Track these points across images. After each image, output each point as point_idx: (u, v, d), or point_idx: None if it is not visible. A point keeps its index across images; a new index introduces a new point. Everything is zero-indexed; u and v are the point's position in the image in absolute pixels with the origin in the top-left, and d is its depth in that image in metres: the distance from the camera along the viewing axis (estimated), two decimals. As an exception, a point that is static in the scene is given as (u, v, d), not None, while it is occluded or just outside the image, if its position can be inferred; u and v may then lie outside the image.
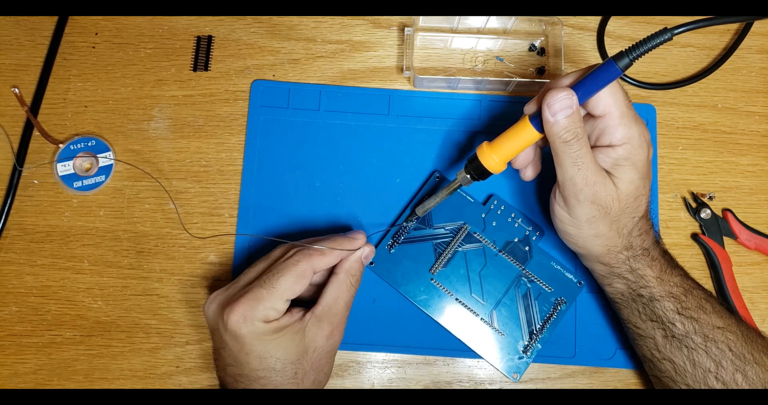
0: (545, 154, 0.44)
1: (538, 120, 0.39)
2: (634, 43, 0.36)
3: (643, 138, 0.40)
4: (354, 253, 0.43)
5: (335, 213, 0.50)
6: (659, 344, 0.43)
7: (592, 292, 0.49)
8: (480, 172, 0.42)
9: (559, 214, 0.42)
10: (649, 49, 0.36)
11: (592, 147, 0.40)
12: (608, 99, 0.39)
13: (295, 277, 0.40)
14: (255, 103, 0.52)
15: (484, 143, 0.42)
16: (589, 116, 0.41)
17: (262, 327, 0.39)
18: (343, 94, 0.52)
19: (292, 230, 0.50)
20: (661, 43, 0.36)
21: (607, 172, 0.40)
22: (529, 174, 0.44)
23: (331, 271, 0.43)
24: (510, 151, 0.41)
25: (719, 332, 0.41)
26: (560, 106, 0.37)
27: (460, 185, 0.43)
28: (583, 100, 0.38)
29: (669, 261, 0.44)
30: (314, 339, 0.40)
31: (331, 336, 0.41)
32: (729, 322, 0.42)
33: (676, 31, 0.36)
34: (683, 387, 0.42)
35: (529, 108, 0.41)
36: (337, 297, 0.42)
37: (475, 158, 0.42)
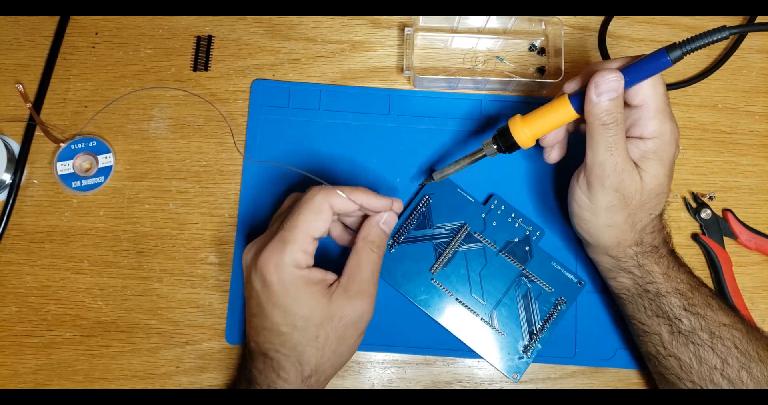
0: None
1: (577, 99, 0.39)
2: (690, 37, 0.36)
3: (673, 136, 0.40)
4: (371, 218, 0.42)
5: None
6: (665, 340, 0.43)
7: (592, 292, 0.49)
8: (509, 145, 0.42)
9: (579, 198, 0.42)
10: (704, 45, 0.36)
11: None
12: (649, 90, 0.39)
13: (313, 212, 0.39)
14: (255, 103, 0.52)
15: (518, 116, 0.42)
16: (626, 105, 0.41)
17: (294, 273, 0.38)
18: (344, 94, 0.52)
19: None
20: (716, 41, 0.36)
21: (634, 163, 0.40)
22: (554, 156, 0.44)
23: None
24: (543, 128, 0.41)
25: (725, 329, 0.41)
26: (607, 87, 0.38)
27: (485, 155, 0.43)
28: (628, 86, 0.38)
29: (676, 259, 0.44)
30: (341, 307, 0.39)
31: (360, 308, 0.40)
32: (734, 320, 0.42)
33: (735, 31, 0.35)
34: (688, 384, 0.42)
35: (570, 86, 0.41)
36: (359, 265, 0.41)
37: (506, 130, 0.42)
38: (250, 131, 0.51)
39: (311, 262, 0.39)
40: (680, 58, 0.36)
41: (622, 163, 0.39)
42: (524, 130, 0.41)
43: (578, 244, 0.49)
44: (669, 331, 0.42)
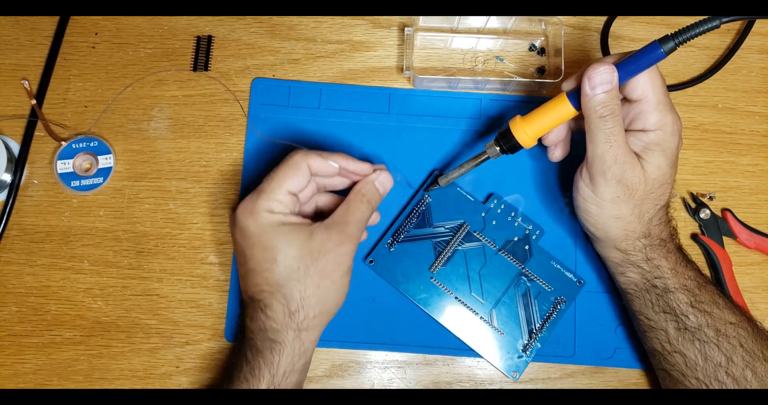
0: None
1: (575, 96, 0.40)
2: (682, 27, 0.36)
3: (675, 127, 0.40)
4: (368, 177, 0.43)
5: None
6: (671, 336, 0.43)
7: (592, 292, 0.49)
8: (511, 146, 0.42)
9: (583, 192, 0.42)
10: (696, 35, 0.36)
11: (626, 130, 0.41)
12: (647, 84, 0.39)
13: (290, 168, 0.41)
14: (255, 101, 0.52)
15: (518, 116, 0.42)
16: (626, 100, 0.41)
17: (267, 217, 0.39)
18: (344, 93, 0.52)
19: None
20: (708, 30, 0.36)
21: (637, 155, 0.40)
22: (557, 154, 0.45)
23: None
24: (543, 127, 0.41)
25: (731, 328, 0.41)
26: (600, 79, 0.38)
27: (488, 157, 0.43)
28: (623, 80, 0.39)
29: (684, 255, 0.44)
30: (322, 243, 0.40)
31: (341, 244, 0.40)
32: (741, 319, 0.42)
33: (725, 20, 0.36)
34: (693, 381, 0.42)
35: (568, 85, 0.42)
36: (346, 211, 0.42)
37: (507, 131, 0.42)
38: (250, 129, 0.51)
39: (287, 212, 0.41)
40: (673, 49, 0.37)
41: (622, 154, 0.39)
42: (525, 130, 0.41)
43: (578, 243, 0.49)
44: (675, 328, 0.42)
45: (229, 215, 0.43)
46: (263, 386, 0.39)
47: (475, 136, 0.51)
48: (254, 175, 0.50)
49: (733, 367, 0.41)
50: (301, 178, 0.41)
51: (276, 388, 0.39)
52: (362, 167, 0.43)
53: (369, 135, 0.51)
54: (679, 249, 0.44)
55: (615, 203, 0.41)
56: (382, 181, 0.43)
